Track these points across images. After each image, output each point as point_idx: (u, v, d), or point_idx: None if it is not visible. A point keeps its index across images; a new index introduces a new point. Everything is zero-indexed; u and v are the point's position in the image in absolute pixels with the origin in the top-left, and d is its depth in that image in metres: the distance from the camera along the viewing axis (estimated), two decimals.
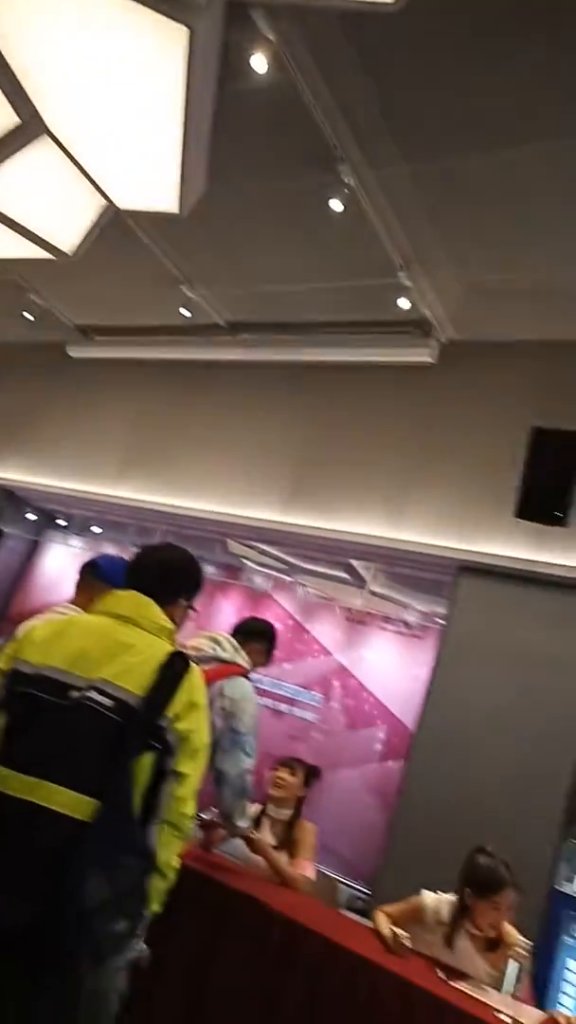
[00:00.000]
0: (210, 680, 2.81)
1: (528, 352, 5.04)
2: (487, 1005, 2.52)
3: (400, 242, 4.51)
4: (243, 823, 2.95)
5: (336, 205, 4.15)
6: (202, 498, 6.05)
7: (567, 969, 3.79)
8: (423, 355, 5.20)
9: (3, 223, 3.13)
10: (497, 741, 4.30)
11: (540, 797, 4.09)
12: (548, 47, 3.12)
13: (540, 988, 3.64)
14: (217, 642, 3.05)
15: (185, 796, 1.82)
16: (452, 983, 2.64)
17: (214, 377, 6.50)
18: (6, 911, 1.56)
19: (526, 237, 4.20)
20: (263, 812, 3.51)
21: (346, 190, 4.08)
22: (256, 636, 3.25)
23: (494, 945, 2.82)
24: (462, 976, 2.74)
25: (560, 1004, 3.71)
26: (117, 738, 1.72)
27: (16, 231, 3.18)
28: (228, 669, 2.98)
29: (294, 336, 5.87)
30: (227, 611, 6.83)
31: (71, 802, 1.64)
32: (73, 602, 2.87)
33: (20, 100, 2.59)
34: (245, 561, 6.81)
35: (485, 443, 4.99)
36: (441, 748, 4.46)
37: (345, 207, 4.15)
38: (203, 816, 3.13)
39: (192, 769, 1.84)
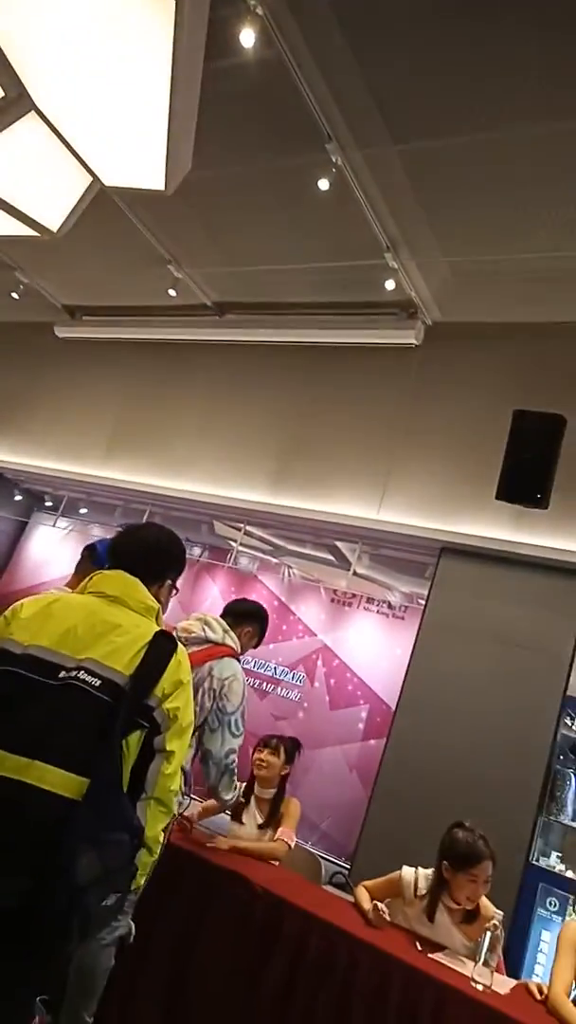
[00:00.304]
0: (200, 661, 2.83)
1: (512, 334, 5.06)
2: (463, 975, 2.58)
3: (386, 223, 4.50)
4: (228, 796, 3.00)
5: (323, 184, 4.13)
6: (189, 479, 6.06)
7: (541, 940, 3.89)
8: (408, 337, 5.22)
9: None
10: (476, 719, 4.37)
11: (518, 774, 4.17)
12: (535, 30, 3.11)
13: (515, 958, 3.74)
14: (207, 623, 3.06)
15: (172, 773, 1.86)
16: (430, 955, 2.70)
17: (201, 358, 6.48)
18: None
19: (511, 219, 4.20)
20: (250, 792, 3.55)
21: (333, 169, 4.06)
22: (248, 618, 3.24)
23: (471, 917, 2.89)
24: (439, 948, 2.81)
25: (534, 973, 3.81)
26: (106, 717, 1.74)
27: (1, 208, 3.14)
28: (218, 650, 2.99)
29: (281, 316, 5.86)
30: (213, 592, 6.86)
31: (62, 781, 1.66)
32: (69, 584, 2.89)
33: (7, 76, 2.56)
34: (231, 543, 6.83)
35: (469, 425, 5.03)
36: (421, 726, 4.53)
37: (332, 187, 4.13)
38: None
39: (179, 746, 1.87)
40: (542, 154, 3.69)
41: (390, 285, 4.92)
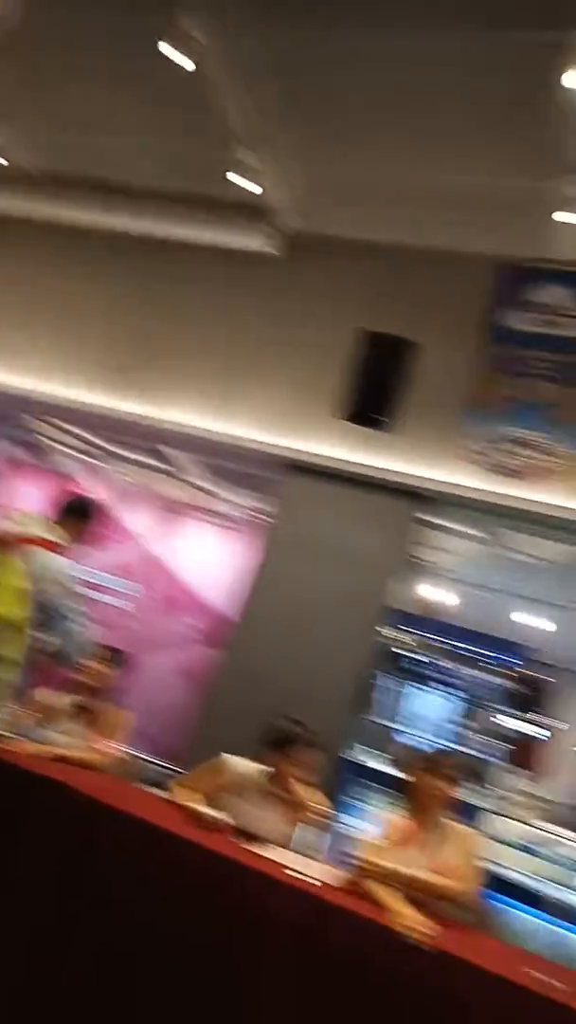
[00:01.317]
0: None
1: (370, 253, 4.97)
2: (287, 865, 2.65)
3: (245, 112, 4.16)
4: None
5: (170, 52, 3.69)
6: (3, 367, 5.51)
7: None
8: (261, 243, 4.96)
9: None
10: (308, 631, 4.53)
11: (337, 679, 4.40)
12: None
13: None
14: (21, 520, 3.14)
15: None
16: (247, 846, 2.75)
17: (23, 234, 5.80)
18: None
19: (381, 134, 4.06)
20: (77, 702, 3.46)
21: (187, 39, 3.64)
22: (74, 513, 3.31)
23: (295, 808, 3.01)
24: (258, 839, 2.87)
25: None
26: None
27: None
28: (33, 545, 3.03)
29: (116, 197, 5.34)
30: (31, 494, 6.44)
31: None
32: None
33: None
34: (48, 441, 6.34)
35: (320, 342, 4.95)
36: (254, 635, 4.64)
37: (184, 58, 3.72)
38: None
39: None
40: (424, 70, 3.54)
41: (240, 180, 4.60)
